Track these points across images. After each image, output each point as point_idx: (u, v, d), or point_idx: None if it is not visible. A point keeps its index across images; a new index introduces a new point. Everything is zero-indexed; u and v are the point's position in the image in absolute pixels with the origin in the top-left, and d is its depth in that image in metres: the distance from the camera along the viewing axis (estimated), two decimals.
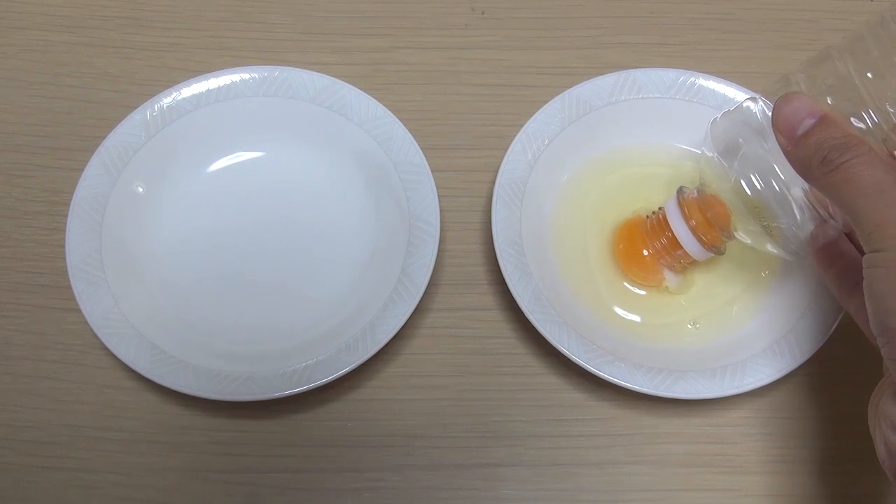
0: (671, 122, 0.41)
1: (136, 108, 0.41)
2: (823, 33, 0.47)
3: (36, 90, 0.45)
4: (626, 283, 0.40)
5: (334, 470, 0.37)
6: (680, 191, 0.37)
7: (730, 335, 0.38)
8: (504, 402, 0.38)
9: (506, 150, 0.40)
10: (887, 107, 0.29)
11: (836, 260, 0.34)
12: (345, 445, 0.37)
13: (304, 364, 0.36)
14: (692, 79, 0.41)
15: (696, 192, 0.36)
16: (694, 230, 0.36)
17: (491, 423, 0.38)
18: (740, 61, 0.46)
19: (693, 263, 0.39)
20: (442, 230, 0.38)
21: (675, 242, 0.37)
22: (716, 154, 0.34)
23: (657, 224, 0.38)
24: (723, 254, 0.37)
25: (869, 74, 0.29)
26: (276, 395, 0.35)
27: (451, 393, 0.38)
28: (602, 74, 0.41)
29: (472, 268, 0.41)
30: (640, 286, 0.40)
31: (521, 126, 0.40)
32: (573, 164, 0.41)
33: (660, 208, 0.38)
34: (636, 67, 0.42)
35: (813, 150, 0.27)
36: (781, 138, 0.29)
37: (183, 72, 0.45)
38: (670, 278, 0.39)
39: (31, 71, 0.46)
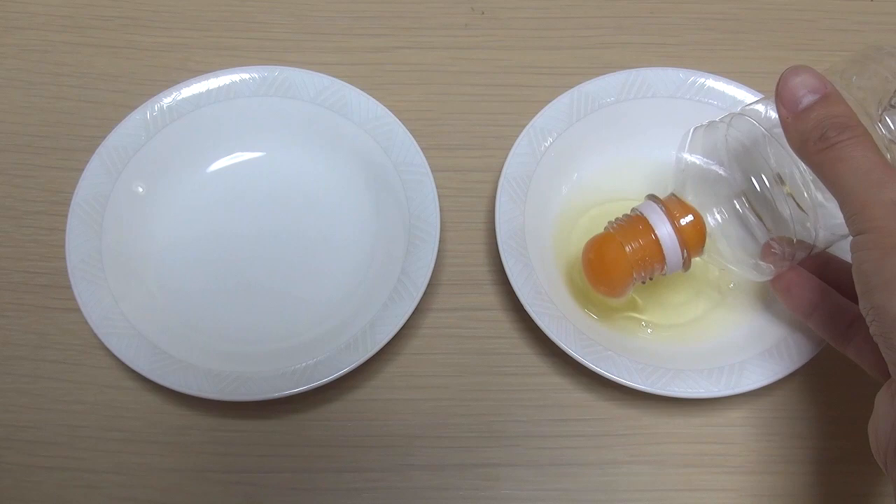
0: (679, 122, 0.41)
1: (136, 108, 0.41)
2: (823, 33, 0.47)
3: (36, 90, 0.45)
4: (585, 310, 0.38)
5: (334, 470, 0.37)
6: (653, 196, 0.34)
7: (727, 337, 0.38)
8: (504, 402, 0.38)
9: (507, 149, 0.40)
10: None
11: (815, 310, 0.34)
12: (345, 445, 0.37)
13: (304, 364, 0.36)
14: (702, 79, 0.41)
15: (672, 196, 0.34)
16: (679, 231, 0.33)
17: (491, 423, 0.38)
18: (740, 61, 0.46)
19: (654, 280, 0.36)
20: (442, 230, 0.38)
21: (652, 246, 0.33)
22: (718, 166, 0.33)
23: (628, 225, 0.34)
24: (687, 269, 0.35)
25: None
26: (276, 395, 0.35)
27: (451, 393, 0.38)
28: (602, 75, 0.41)
29: (473, 267, 0.41)
30: (600, 309, 0.38)
31: (522, 126, 0.40)
32: (580, 165, 0.41)
33: (632, 210, 0.35)
34: (637, 67, 0.42)
35: (813, 124, 0.27)
36: (783, 109, 0.28)
37: (183, 72, 0.45)
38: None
39: (31, 71, 0.46)
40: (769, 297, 0.39)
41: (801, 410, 0.38)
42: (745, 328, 0.38)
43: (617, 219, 0.35)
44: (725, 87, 0.41)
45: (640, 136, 0.42)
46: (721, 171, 0.33)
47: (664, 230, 0.33)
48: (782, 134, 0.29)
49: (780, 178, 0.31)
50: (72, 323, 0.39)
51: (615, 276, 0.35)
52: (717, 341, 0.38)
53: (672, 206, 0.34)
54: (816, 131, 0.27)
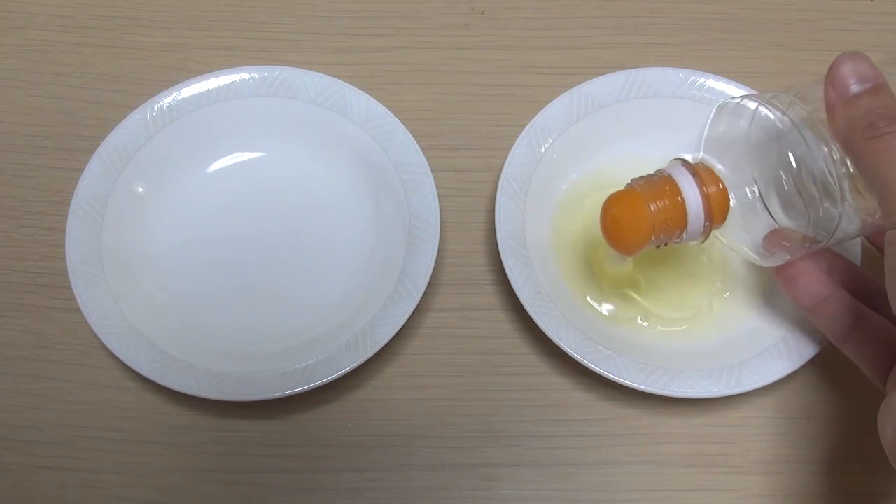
0: (680, 122, 0.41)
1: (136, 108, 0.41)
2: (823, 33, 0.47)
3: (36, 90, 0.45)
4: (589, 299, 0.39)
5: (334, 470, 0.37)
6: (681, 160, 0.33)
7: (727, 336, 0.38)
8: (504, 402, 0.38)
9: (507, 149, 0.40)
10: None
11: (820, 303, 0.34)
12: (345, 445, 0.37)
13: (304, 364, 0.36)
14: (702, 79, 0.41)
15: (701, 163, 0.33)
16: (708, 197, 0.32)
17: (491, 423, 0.38)
18: (740, 61, 0.46)
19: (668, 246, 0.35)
20: (442, 230, 0.38)
21: (678, 209, 0.32)
22: (739, 149, 0.32)
23: (654, 184, 0.33)
24: (704, 240, 0.34)
25: None
26: (276, 395, 0.35)
27: (451, 393, 0.38)
28: (602, 75, 0.41)
29: (473, 267, 0.41)
30: (600, 284, 0.39)
31: (522, 125, 0.40)
32: (579, 165, 0.41)
33: (656, 171, 0.34)
34: (637, 67, 0.42)
35: (862, 112, 0.27)
36: (832, 93, 0.28)
37: (183, 72, 0.45)
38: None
39: (31, 71, 0.46)
40: (769, 296, 0.39)
41: (802, 410, 0.38)
42: (746, 327, 0.38)
43: (641, 177, 0.33)
44: (726, 86, 0.41)
45: (640, 137, 0.42)
46: (741, 155, 0.32)
47: (692, 194, 0.32)
48: (812, 126, 0.29)
49: (808, 170, 0.30)
50: (72, 323, 0.39)
51: (635, 233, 0.33)
52: (716, 341, 0.38)
53: (702, 171, 0.32)
54: (865, 119, 0.27)
